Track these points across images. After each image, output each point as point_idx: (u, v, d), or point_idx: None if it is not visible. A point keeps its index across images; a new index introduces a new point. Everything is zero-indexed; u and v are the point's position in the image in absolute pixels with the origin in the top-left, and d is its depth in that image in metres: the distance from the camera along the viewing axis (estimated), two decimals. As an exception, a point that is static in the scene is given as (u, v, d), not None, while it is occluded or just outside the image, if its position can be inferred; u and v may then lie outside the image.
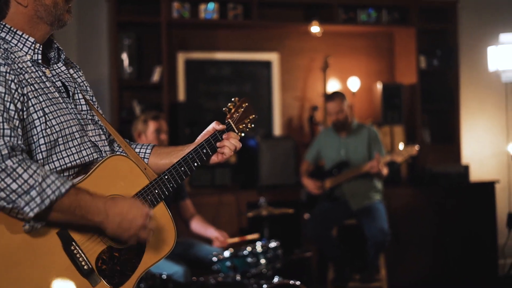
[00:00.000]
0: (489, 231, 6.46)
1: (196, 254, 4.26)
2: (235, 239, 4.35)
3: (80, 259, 1.98)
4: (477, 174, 6.87)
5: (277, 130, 6.62)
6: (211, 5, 6.19)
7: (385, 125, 6.54)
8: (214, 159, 2.32)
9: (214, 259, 4.00)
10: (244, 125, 2.37)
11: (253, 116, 2.40)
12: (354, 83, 6.66)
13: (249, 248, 3.97)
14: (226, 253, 3.98)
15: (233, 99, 2.39)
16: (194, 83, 6.48)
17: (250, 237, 4.32)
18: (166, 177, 2.20)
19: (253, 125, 2.39)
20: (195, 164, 2.26)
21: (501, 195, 6.73)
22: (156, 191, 2.16)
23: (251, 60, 6.64)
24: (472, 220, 6.39)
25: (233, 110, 2.37)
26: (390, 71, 6.99)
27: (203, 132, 2.34)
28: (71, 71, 2.24)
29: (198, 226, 4.43)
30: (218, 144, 2.30)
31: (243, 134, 2.36)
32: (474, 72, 7.00)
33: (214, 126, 2.34)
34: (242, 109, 2.38)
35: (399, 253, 6.13)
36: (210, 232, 4.32)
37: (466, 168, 6.52)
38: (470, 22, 7.06)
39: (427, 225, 6.31)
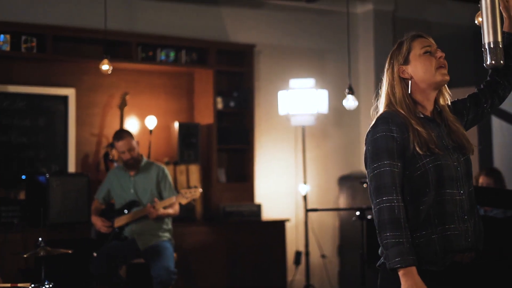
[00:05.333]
0: (279, 267, 6.70)
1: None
2: (6, 285, 4.17)
3: None
4: (270, 212, 7.11)
5: (72, 166, 6.46)
6: (3, 36, 5.98)
7: (181, 163, 6.62)
8: None
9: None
10: None
11: None
12: (151, 121, 6.67)
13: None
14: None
15: None
16: (-16, 115, 6.21)
17: (21, 285, 4.16)
18: None
19: None
20: None
21: (291, 233, 7.01)
22: None
23: (47, 94, 6.46)
24: (263, 257, 6.61)
25: None
26: (190, 110, 7.09)
27: None
28: None
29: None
30: None
31: None
32: (269, 114, 7.27)
33: None
34: None
35: (190, 291, 6.19)
36: None
37: (258, 207, 6.75)
38: (265, 66, 7.34)
39: (220, 262, 6.43)
